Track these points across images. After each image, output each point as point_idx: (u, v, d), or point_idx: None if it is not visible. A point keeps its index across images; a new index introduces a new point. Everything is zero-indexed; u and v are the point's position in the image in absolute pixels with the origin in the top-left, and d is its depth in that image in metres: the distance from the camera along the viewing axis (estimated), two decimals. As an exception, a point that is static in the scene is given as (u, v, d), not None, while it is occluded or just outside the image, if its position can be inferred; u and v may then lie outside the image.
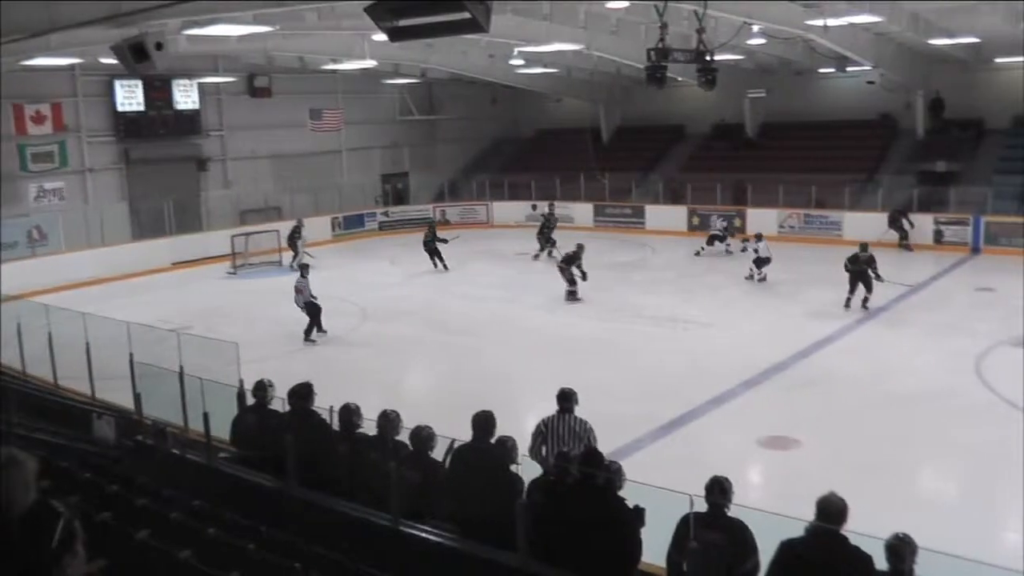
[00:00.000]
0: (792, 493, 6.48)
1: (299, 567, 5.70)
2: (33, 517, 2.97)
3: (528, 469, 7.42)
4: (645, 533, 6.74)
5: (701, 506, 6.37)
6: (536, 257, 28.28)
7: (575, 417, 9.30)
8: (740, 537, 6.34)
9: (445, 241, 27.27)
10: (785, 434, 12.64)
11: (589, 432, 9.21)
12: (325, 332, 19.21)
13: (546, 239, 28.43)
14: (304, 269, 20.30)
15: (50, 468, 7.49)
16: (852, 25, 23.33)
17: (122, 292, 23.39)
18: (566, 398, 9.40)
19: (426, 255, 27.01)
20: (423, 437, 8.03)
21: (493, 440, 7.70)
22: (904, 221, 27.94)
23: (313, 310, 19.17)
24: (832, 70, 31.30)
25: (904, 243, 27.78)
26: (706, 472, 6.66)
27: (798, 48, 27.73)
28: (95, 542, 4.70)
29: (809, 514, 5.85)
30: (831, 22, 21.37)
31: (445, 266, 26.78)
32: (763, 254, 23.50)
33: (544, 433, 9.22)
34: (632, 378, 15.57)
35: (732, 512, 6.49)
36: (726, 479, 6.57)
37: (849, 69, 30.04)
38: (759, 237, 23.96)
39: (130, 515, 6.47)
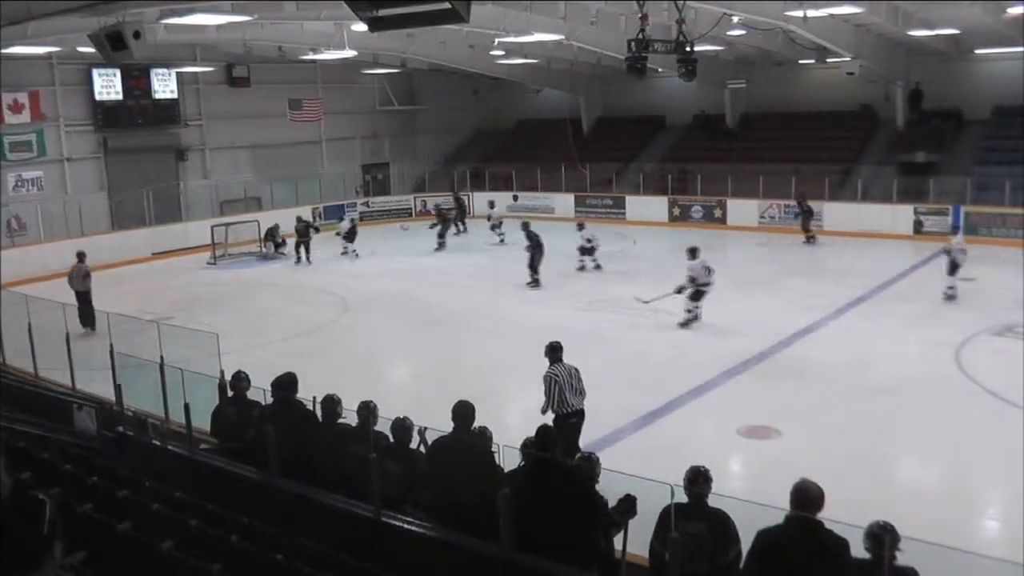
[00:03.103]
0: (773, 482, 6.52)
1: (281, 558, 5.72)
2: (20, 506, 2.98)
3: (509, 459, 7.44)
4: (629, 525, 6.80)
5: (682, 496, 6.41)
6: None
7: (568, 364, 10.72)
8: (722, 527, 6.37)
9: (317, 230, 28.94)
10: (765, 424, 12.70)
11: (579, 373, 10.74)
12: None
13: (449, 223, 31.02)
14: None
15: (31, 459, 7.49)
16: (832, 16, 23.40)
17: (101, 282, 23.20)
18: (558, 349, 10.85)
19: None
20: (404, 428, 8.06)
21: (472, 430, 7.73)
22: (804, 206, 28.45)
23: None
24: (812, 61, 31.38)
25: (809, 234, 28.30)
26: (687, 462, 6.69)
27: (778, 39, 27.80)
28: (76, 534, 4.71)
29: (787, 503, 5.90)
30: (811, 13, 21.43)
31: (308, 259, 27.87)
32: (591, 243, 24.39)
33: (559, 380, 10.50)
34: (613, 369, 15.57)
35: (713, 502, 6.53)
36: (707, 469, 6.61)
37: (829, 60, 30.10)
38: (581, 226, 24.94)
39: (111, 506, 6.46)
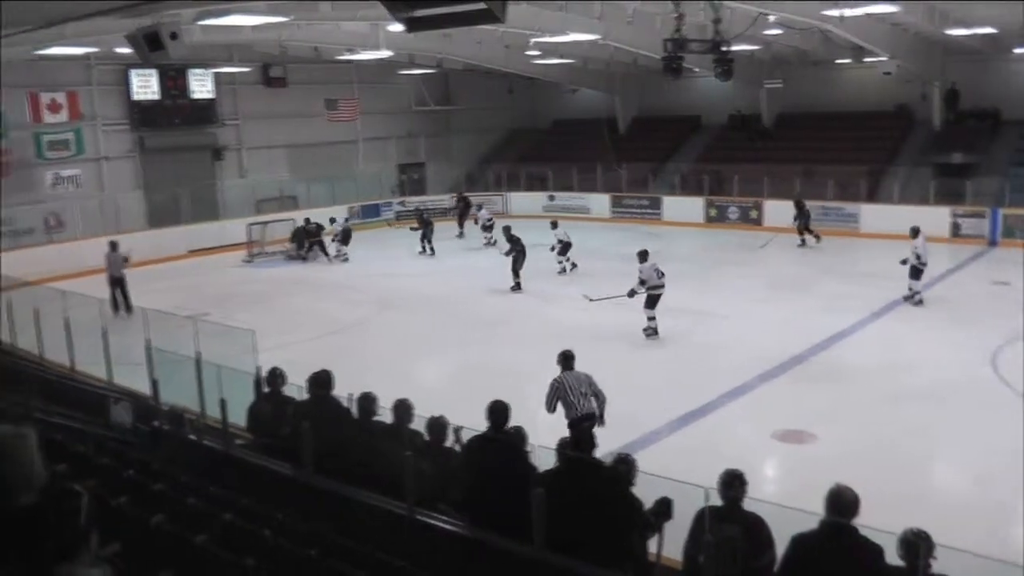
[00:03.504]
0: (808, 487, 6.44)
1: (314, 554, 5.73)
2: (56, 497, 3.00)
3: (544, 459, 7.41)
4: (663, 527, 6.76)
5: (716, 499, 6.37)
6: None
7: (577, 371, 10.92)
8: (756, 531, 6.32)
9: (321, 228, 28.91)
10: (801, 427, 12.61)
11: (591, 379, 10.87)
12: None
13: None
14: None
15: (67, 452, 7.55)
16: (868, 15, 23.21)
17: (138, 279, 23.45)
18: (570, 357, 11.06)
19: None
20: (439, 426, 8.07)
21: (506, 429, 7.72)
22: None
23: None
24: (848, 61, 31.18)
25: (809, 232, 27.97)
26: (722, 465, 6.65)
27: (814, 38, 27.61)
28: (111, 526, 4.74)
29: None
30: (847, 12, 21.27)
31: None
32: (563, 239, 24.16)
33: (562, 386, 10.69)
34: (648, 370, 15.56)
35: (748, 506, 6.48)
36: (741, 472, 6.56)
37: (865, 60, 29.90)
38: (554, 224, 24.70)
39: (146, 500, 6.50)
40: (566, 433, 7.36)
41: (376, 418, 8.69)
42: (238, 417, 9.95)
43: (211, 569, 5.45)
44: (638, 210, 34.81)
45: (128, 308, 20.22)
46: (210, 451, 9.41)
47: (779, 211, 30.60)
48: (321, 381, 9.03)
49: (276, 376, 9.86)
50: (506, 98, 41.98)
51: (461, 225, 32.58)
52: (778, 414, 13.22)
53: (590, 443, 6.93)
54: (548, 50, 30.96)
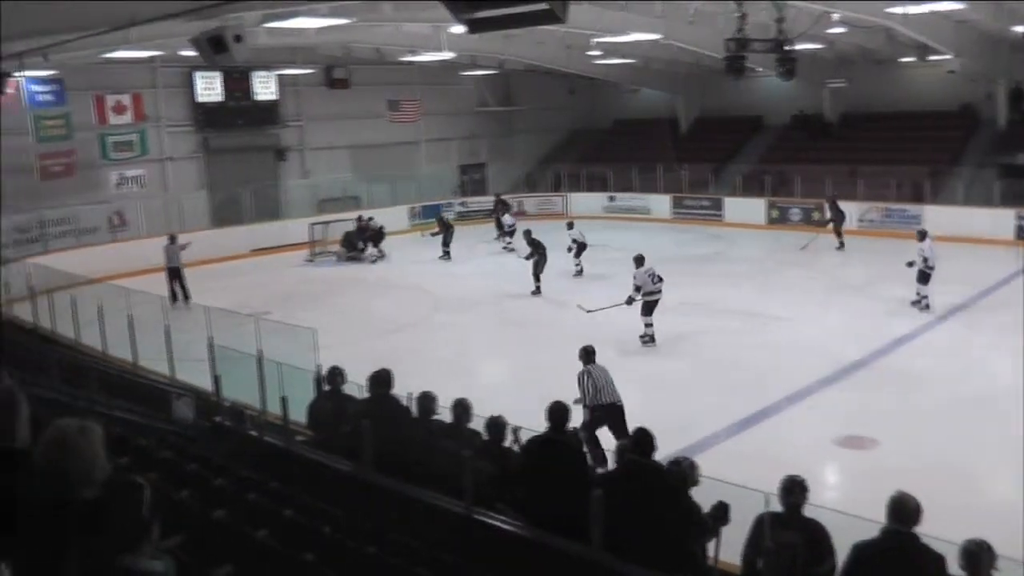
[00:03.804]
0: (868, 494, 6.35)
1: (373, 551, 5.77)
2: (119, 489, 3.05)
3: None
4: (722, 531, 6.71)
5: (776, 505, 6.30)
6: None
7: (598, 364, 11.49)
8: (817, 538, 6.25)
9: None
10: (862, 433, 12.42)
11: (606, 372, 11.45)
12: None
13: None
14: None
15: (129, 446, 7.67)
16: (933, 13, 22.81)
17: (201, 277, 23.77)
18: (592, 352, 11.63)
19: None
20: (498, 426, 8.09)
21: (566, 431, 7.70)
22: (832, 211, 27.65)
23: None
24: (912, 59, 30.65)
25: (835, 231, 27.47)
26: (781, 470, 6.59)
27: (878, 37, 27.19)
28: (172, 519, 4.81)
29: (883, 515, 5.76)
30: (911, 10, 20.94)
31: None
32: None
33: (591, 376, 11.23)
34: (708, 373, 15.45)
35: (807, 512, 6.41)
36: (802, 479, 6.49)
37: (929, 58, 29.37)
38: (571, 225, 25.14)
39: (207, 494, 6.59)
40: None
41: (435, 417, 8.73)
42: (298, 414, 10.06)
43: (271, 565, 5.50)
44: (699, 211, 34.54)
45: (187, 298, 22.06)
46: (270, 447, 9.52)
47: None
48: (381, 380, 9.09)
49: (336, 374, 9.96)
50: (567, 98, 41.93)
51: (499, 227, 31.71)
52: (839, 419, 13.04)
53: (650, 445, 6.89)
54: (609, 50, 30.87)
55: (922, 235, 19.33)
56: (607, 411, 11.06)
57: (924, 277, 18.97)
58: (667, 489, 6.67)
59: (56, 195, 26.79)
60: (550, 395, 7.87)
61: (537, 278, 22.38)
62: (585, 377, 11.26)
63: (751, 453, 11.67)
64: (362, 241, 28.98)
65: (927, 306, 18.98)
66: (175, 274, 22.50)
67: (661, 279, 17.65)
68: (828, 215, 27.80)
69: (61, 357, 13.74)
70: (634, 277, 17.57)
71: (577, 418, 8.07)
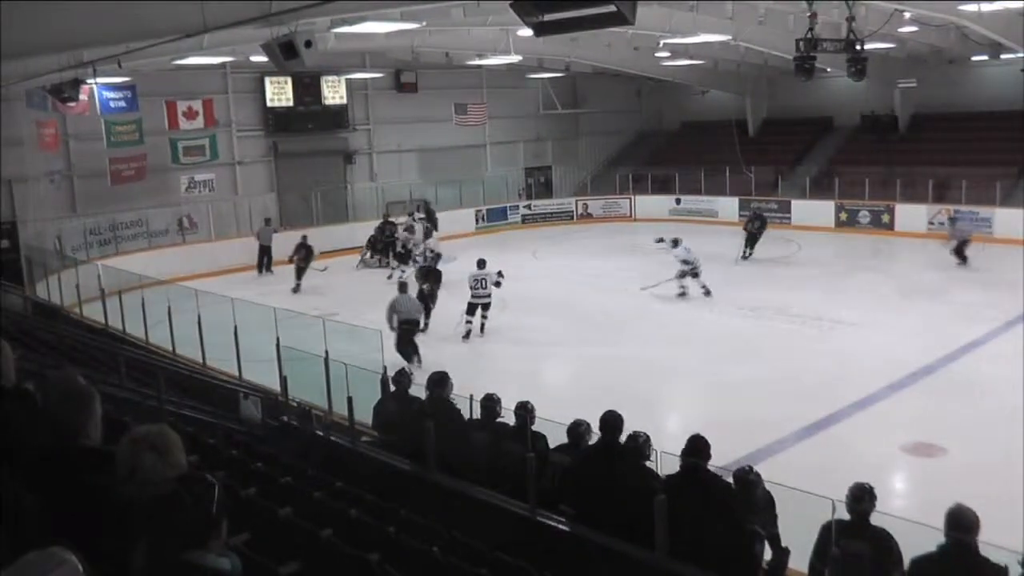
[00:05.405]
0: (937, 502, 6.23)
1: (437, 551, 5.80)
2: (189, 487, 3.12)
3: (665, 466, 7.34)
4: (787, 538, 6.64)
5: (843, 511, 6.23)
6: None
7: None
8: (885, 547, 6.16)
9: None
10: (931, 441, 12.20)
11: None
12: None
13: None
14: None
15: (198, 444, 7.81)
16: (1007, 9, 22.28)
17: (269, 279, 24.01)
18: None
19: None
20: (578, 434, 8.07)
21: (623, 437, 7.64)
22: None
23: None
24: (985, 58, 29.97)
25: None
26: (849, 476, 6.51)
27: (950, 35, 26.66)
28: (239, 516, 4.89)
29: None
30: (985, 7, 20.46)
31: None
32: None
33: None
34: (776, 377, 15.28)
35: (875, 520, 6.32)
36: (871, 487, 6.40)
37: (1003, 56, 28.72)
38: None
39: (274, 492, 6.68)
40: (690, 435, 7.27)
41: (499, 419, 8.76)
42: (364, 415, 10.15)
43: (336, 563, 5.56)
44: (767, 214, 33.90)
45: (270, 270, 26.67)
46: (336, 447, 9.63)
47: (912, 215, 29.75)
48: (434, 380, 9.21)
49: (403, 376, 10.04)
50: (634, 100, 41.84)
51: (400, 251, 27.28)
52: (908, 426, 12.84)
53: (706, 451, 6.85)
54: (678, 51, 30.63)
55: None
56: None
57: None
58: (723, 507, 6.61)
59: (127, 199, 27.30)
60: (620, 398, 7.86)
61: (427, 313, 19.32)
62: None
63: (818, 458, 11.55)
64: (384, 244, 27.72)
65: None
66: (265, 251, 27.02)
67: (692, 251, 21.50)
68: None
69: (131, 357, 13.98)
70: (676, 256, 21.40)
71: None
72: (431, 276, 20.37)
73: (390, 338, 15.54)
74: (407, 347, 16.42)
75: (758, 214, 27.28)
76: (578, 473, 7.50)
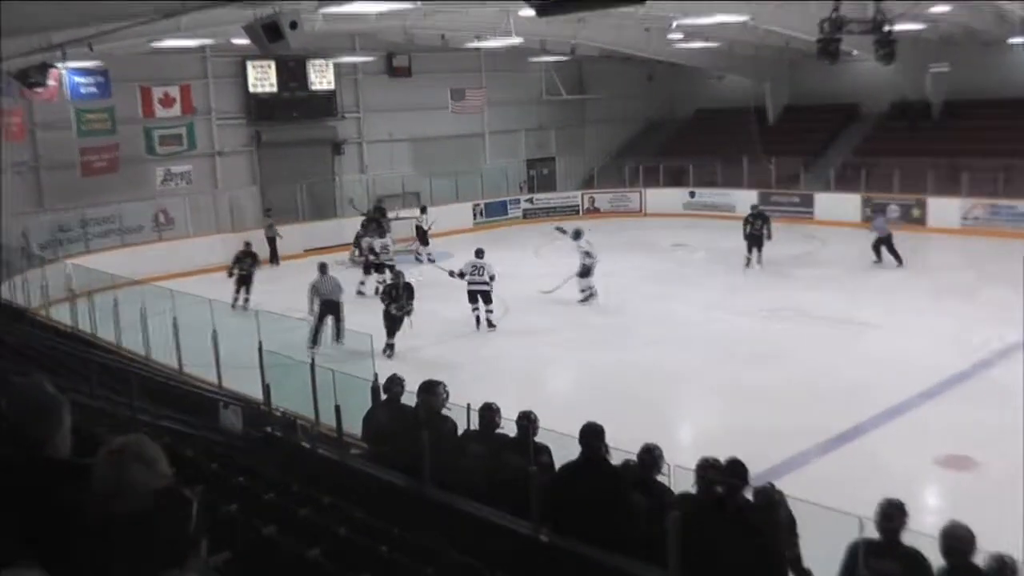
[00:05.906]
0: (973, 520, 6.23)
1: (432, 572, 5.79)
2: (167, 501, 3.11)
3: (679, 481, 7.31)
4: (811, 559, 6.63)
5: (872, 530, 6.22)
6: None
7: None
8: (917, 568, 6.14)
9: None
10: (965, 453, 12.19)
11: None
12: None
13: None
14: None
15: (174, 456, 7.79)
16: (1047, -14, 22.38)
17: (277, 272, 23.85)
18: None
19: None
20: (654, 457, 8.04)
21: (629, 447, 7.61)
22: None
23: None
24: (1022, 40, 29.99)
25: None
26: (877, 492, 6.50)
27: (986, 15, 26.65)
28: (220, 534, 4.88)
29: (987, 543, 5.69)
30: (1023, -16, 20.56)
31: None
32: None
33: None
34: (796, 385, 15.26)
35: (905, 538, 6.32)
36: (902, 503, 6.40)
37: (1041, 38, 28.77)
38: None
39: (257, 509, 6.66)
40: (707, 447, 7.22)
41: (498, 431, 8.73)
42: (354, 425, 10.13)
43: (324, 584, 5.56)
44: (788, 208, 33.85)
45: (276, 262, 28.09)
46: (324, 460, 9.61)
47: (945, 209, 29.71)
48: (422, 388, 9.19)
49: (394, 383, 9.95)
50: (645, 86, 41.67)
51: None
52: (940, 437, 12.83)
53: (745, 476, 6.81)
54: (692, 33, 30.63)
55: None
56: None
57: None
58: (748, 533, 6.60)
59: (99, 192, 27.36)
60: (629, 405, 7.85)
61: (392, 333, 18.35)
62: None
63: (844, 473, 11.54)
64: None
65: None
66: (271, 242, 28.46)
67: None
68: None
69: (102, 362, 13.96)
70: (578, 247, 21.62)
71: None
72: (400, 295, 18.43)
73: (380, 340, 15.47)
74: (321, 326, 18.49)
75: (758, 213, 26.67)
76: (560, 490, 7.49)
